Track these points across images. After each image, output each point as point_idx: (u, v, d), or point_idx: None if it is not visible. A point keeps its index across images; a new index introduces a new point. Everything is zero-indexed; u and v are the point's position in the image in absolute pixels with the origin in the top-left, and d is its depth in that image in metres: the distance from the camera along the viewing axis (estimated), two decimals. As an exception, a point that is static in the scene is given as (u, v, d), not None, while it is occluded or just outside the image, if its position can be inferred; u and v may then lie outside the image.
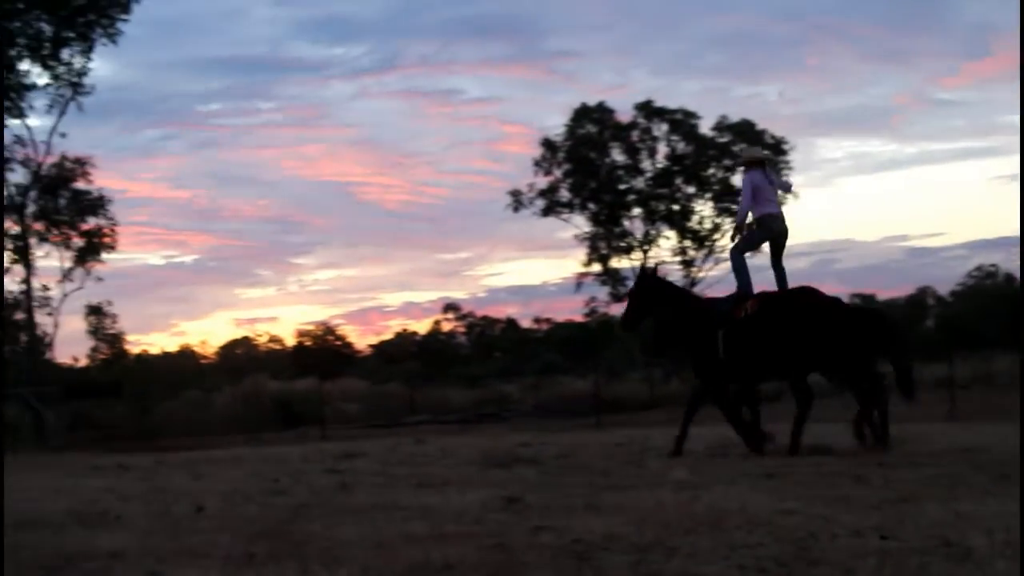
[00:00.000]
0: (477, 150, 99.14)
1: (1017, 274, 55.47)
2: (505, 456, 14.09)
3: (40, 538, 7.98)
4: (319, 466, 14.36)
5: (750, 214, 14.88)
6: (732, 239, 15.03)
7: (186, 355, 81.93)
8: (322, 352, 76.87)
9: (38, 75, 41.92)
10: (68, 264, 43.60)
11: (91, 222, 43.67)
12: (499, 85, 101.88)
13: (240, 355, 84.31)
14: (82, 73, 42.04)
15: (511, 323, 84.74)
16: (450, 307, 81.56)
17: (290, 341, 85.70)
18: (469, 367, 63.57)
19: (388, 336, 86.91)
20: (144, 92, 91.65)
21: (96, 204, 43.61)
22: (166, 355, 76.75)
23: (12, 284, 42.96)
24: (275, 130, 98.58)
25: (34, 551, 7.35)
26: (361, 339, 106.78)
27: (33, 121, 42.51)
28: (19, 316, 43.48)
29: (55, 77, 41.83)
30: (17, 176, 42.64)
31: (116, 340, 54.39)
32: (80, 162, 43.45)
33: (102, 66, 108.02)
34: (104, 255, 44.06)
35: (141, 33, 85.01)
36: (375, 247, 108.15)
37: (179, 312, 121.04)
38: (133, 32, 52.25)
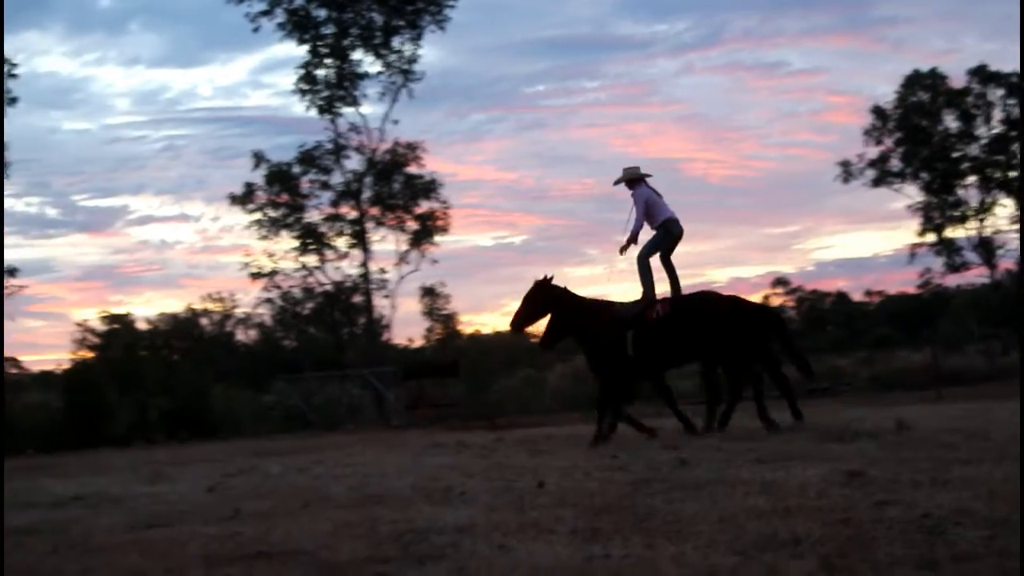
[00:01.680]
0: (802, 122, 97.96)
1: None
2: (843, 430, 13.84)
3: (391, 513, 8.23)
4: (657, 442, 14.38)
5: (646, 223, 16.10)
6: (621, 252, 16.06)
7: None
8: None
9: (370, 64, 43.26)
10: (403, 247, 44.72)
11: (424, 205, 44.66)
12: (824, 56, 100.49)
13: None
14: (412, 60, 43.19)
15: (841, 296, 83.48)
16: (779, 281, 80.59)
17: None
18: (799, 341, 62.62)
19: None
20: (471, 77, 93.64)
21: (428, 188, 44.51)
22: (498, 334, 78.29)
23: (351, 268, 44.47)
24: (600, 109, 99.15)
25: (388, 525, 7.59)
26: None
27: (366, 109, 43.91)
28: (358, 299, 44.90)
29: (387, 65, 43.07)
30: (353, 163, 44.11)
31: (450, 320, 55.61)
32: (412, 147, 44.46)
33: (430, 53, 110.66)
34: (437, 237, 45.00)
35: (467, 19, 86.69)
36: (701, 223, 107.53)
37: (509, 292, 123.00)
38: (460, 18, 53.17)
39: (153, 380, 38.74)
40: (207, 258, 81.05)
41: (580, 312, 16.14)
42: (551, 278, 16.32)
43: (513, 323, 16.84)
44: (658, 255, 16.16)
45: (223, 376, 45.59)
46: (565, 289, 16.30)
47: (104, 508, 10.20)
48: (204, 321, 64.75)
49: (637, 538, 6.54)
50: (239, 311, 61.96)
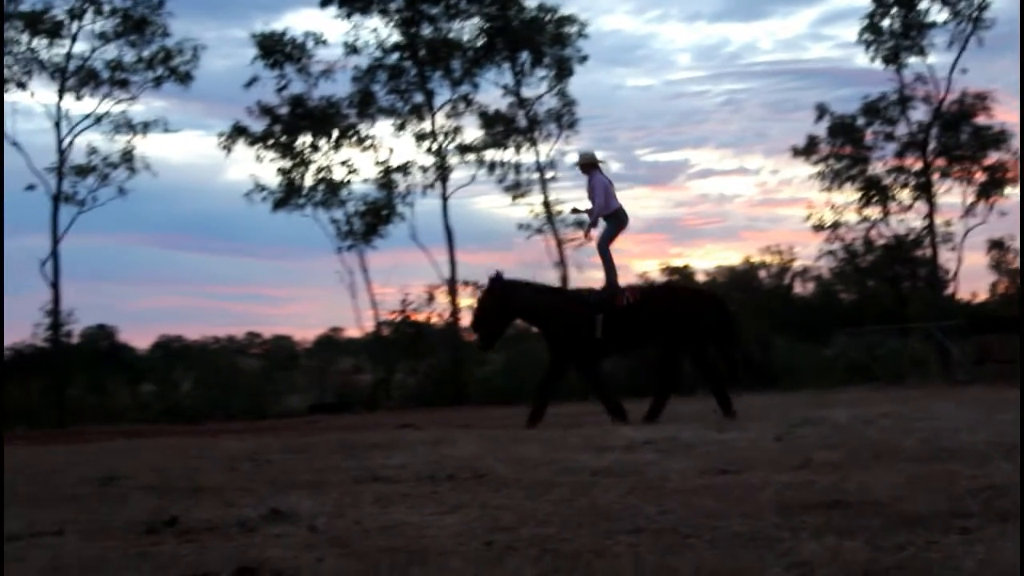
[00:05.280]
0: None
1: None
2: None
3: (967, 468, 8.09)
4: None
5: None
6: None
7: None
8: None
9: (937, 12, 42.30)
10: (970, 199, 43.64)
11: (993, 157, 43.43)
12: None
13: None
14: (982, 7, 41.92)
15: None
16: None
17: None
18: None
19: None
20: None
21: (998, 139, 43.25)
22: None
23: (915, 220, 43.79)
24: None
25: (965, 480, 7.47)
26: None
27: (932, 58, 42.99)
28: (921, 252, 44.12)
29: (955, 13, 42.00)
30: (918, 114, 43.40)
31: (1017, 275, 53.58)
32: (981, 97, 43.28)
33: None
34: (1007, 190, 43.69)
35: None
36: None
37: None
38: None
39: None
40: (766, 211, 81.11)
41: (546, 299, 16.73)
42: (501, 274, 16.57)
43: (477, 332, 17.21)
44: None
45: (780, 328, 45.72)
46: (521, 281, 16.79)
47: (676, 453, 10.52)
48: (762, 273, 65.13)
49: None
50: (797, 264, 61.96)
